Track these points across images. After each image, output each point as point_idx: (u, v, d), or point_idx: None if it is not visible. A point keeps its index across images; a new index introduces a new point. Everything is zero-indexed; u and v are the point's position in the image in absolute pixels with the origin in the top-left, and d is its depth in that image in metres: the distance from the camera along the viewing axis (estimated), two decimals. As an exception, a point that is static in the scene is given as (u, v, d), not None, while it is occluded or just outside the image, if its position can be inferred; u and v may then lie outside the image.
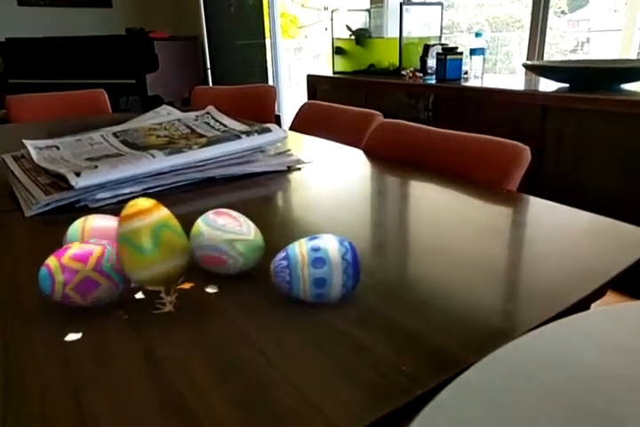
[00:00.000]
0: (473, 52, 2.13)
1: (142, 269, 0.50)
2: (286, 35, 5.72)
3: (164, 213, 0.51)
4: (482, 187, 0.92)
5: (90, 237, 0.60)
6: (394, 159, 1.13)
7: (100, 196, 0.88)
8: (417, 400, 0.39)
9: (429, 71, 2.34)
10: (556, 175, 1.73)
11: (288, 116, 3.81)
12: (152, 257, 0.49)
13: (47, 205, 0.84)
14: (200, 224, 0.59)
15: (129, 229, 0.49)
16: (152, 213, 0.50)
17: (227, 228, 0.57)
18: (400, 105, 2.26)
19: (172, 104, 2.69)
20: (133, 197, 0.89)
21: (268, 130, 1.08)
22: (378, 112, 1.42)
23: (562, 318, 0.42)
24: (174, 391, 0.41)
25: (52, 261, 0.52)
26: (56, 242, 0.71)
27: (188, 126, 1.21)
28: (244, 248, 0.57)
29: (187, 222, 0.63)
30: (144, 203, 0.50)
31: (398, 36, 2.42)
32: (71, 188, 0.85)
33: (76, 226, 0.62)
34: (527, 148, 0.97)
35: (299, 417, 0.38)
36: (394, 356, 0.45)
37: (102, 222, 0.63)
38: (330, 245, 0.53)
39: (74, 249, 0.53)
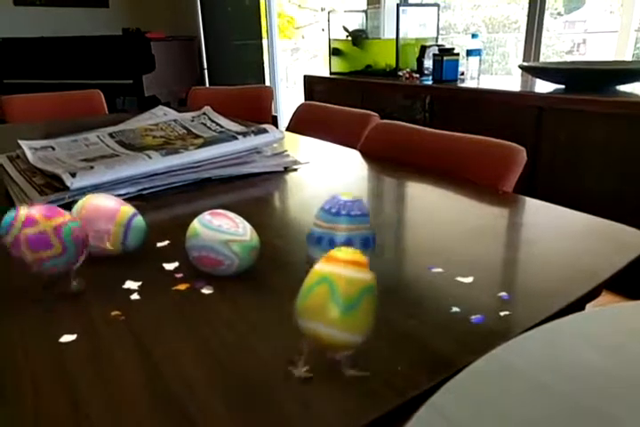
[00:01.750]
0: (469, 53, 2.14)
1: (326, 323, 0.40)
2: (283, 35, 5.72)
3: (371, 275, 0.41)
4: (478, 188, 0.92)
5: (85, 213, 0.63)
6: (390, 160, 1.13)
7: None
8: (412, 401, 0.39)
9: (426, 72, 2.34)
10: (552, 176, 1.74)
11: (285, 117, 3.81)
12: (345, 318, 0.40)
13: (42, 205, 0.84)
14: (196, 225, 0.59)
15: (337, 273, 0.40)
16: (366, 271, 0.41)
17: (223, 228, 0.57)
18: (397, 106, 2.27)
19: (168, 105, 2.68)
20: (129, 198, 0.90)
21: (265, 131, 1.08)
22: (374, 113, 1.42)
23: (557, 318, 0.42)
24: (170, 392, 0.41)
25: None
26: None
27: (184, 127, 1.21)
28: (240, 249, 0.57)
29: (182, 223, 0.63)
30: (356, 254, 0.41)
31: (395, 37, 2.43)
32: (66, 188, 0.85)
33: (80, 203, 0.65)
34: (523, 149, 0.97)
35: (294, 419, 0.38)
36: (389, 357, 0.45)
37: (102, 201, 0.65)
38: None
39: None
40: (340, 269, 0.40)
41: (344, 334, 0.40)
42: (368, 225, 0.56)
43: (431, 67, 2.23)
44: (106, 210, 0.63)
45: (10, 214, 0.52)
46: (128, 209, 0.65)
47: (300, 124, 1.64)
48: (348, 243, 0.54)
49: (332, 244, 0.54)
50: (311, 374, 0.42)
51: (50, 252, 0.53)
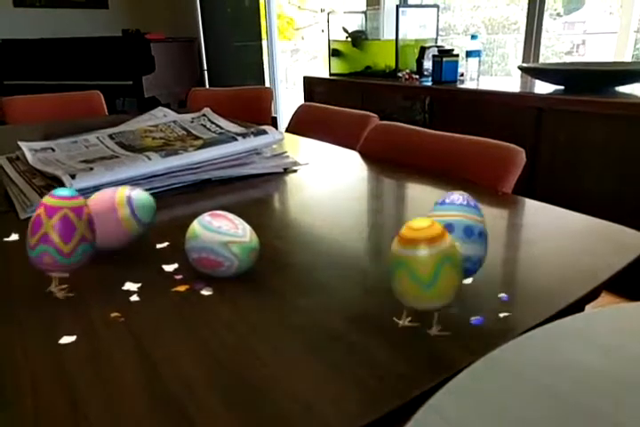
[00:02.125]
0: (469, 54, 2.14)
1: (415, 300, 0.46)
2: (283, 36, 5.73)
3: (448, 242, 0.44)
4: (477, 189, 0.92)
5: (90, 212, 0.60)
6: (389, 161, 1.13)
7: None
8: (412, 402, 0.39)
9: (425, 73, 2.35)
10: (552, 177, 1.74)
11: (284, 118, 3.81)
12: (430, 294, 0.44)
13: (42, 207, 0.84)
14: (196, 226, 0.59)
15: (411, 257, 0.43)
16: (439, 242, 0.44)
17: (222, 230, 0.57)
18: (396, 107, 2.27)
19: (168, 106, 2.68)
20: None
21: (264, 132, 1.08)
22: (374, 114, 1.42)
23: (556, 319, 0.42)
24: (169, 393, 0.41)
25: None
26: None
27: (183, 128, 1.21)
28: (240, 250, 0.57)
29: (182, 225, 0.63)
30: (429, 225, 0.44)
31: (394, 38, 2.43)
32: (66, 190, 0.85)
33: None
34: (522, 150, 0.97)
35: (294, 419, 0.38)
36: (389, 358, 0.45)
37: (98, 196, 0.65)
38: None
39: None
40: (412, 251, 0.43)
41: (432, 302, 0.45)
42: (474, 216, 0.54)
43: (431, 68, 2.24)
44: (104, 200, 0.64)
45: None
46: (122, 189, 0.65)
47: (300, 125, 1.64)
48: (449, 229, 0.53)
49: None
50: (415, 324, 0.49)
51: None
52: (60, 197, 0.53)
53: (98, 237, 0.59)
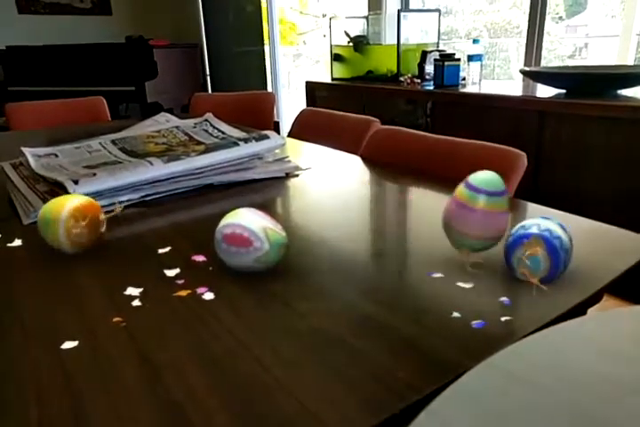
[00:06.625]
0: (470, 58, 2.14)
1: None
2: (285, 41, 5.75)
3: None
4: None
5: None
6: (391, 166, 1.13)
7: (98, 203, 0.88)
8: (413, 406, 0.39)
9: (427, 77, 2.35)
10: (553, 181, 1.74)
11: (287, 123, 3.82)
12: None
13: (45, 212, 0.84)
14: (241, 209, 0.62)
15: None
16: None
17: (267, 218, 0.61)
18: (398, 111, 2.27)
19: (171, 111, 2.69)
20: (131, 205, 0.90)
21: (266, 137, 1.09)
22: (375, 119, 1.42)
23: (558, 323, 0.42)
24: (171, 400, 0.41)
25: None
26: (54, 250, 0.71)
27: (186, 133, 1.22)
28: (274, 239, 0.59)
29: (184, 230, 0.63)
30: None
31: (396, 42, 2.44)
32: (69, 195, 0.85)
33: None
34: (523, 154, 0.97)
35: (295, 424, 0.38)
36: (390, 362, 0.45)
37: None
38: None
39: None
40: None
41: None
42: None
43: (432, 72, 2.24)
44: None
45: None
46: None
47: (302, 129, 1.65)
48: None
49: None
50: None
51: None
52: None
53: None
